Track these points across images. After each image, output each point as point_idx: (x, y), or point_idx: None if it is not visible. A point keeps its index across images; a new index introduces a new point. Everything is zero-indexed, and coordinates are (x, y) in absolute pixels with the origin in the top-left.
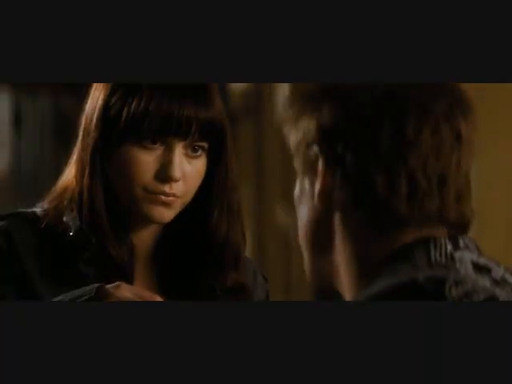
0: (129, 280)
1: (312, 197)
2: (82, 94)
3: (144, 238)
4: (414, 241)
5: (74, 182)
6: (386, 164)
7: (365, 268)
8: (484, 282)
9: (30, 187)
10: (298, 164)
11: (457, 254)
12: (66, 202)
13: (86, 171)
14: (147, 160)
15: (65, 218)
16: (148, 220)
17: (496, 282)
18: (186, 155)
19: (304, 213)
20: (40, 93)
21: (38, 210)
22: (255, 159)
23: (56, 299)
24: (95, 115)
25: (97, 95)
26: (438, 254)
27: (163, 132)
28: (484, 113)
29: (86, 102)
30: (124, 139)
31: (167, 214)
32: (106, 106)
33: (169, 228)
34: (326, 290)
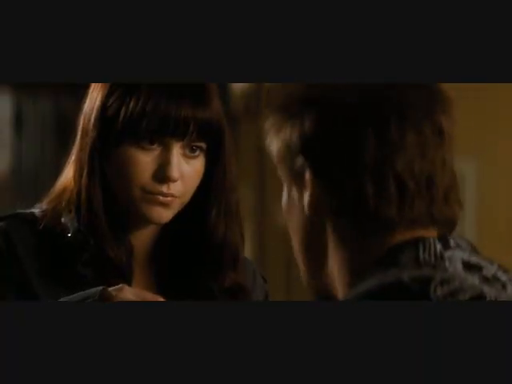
0: (127, 281)
1: (302, 207)
2: (82, 95)
3: (142, 239)
4: (403, 242)
5: (73, 183)
6: (372, 169)
7: (356, 272)
8: (473, 280)
9: (30, 188)
10: (283, 173)
11: (447, 254)
12: (64, 203)
13: (84, 171)
14: (145, 160)
15: (63, 219)
16: (146, 221)
17: (486, 280)
18: (184, 155)
19: (295, 223)
20: (41, 94)
21: (36, 210)
22: (255, 159)
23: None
24: (93, 115)
25: (95, 95)
26: (426, 255)
27: (161, 132)
28: (484, 113)
29: (85, 103)
30: (122, 139)
31: (165, 215)
32: (103, 107)
33: (167, 228)
34: (323, 295)
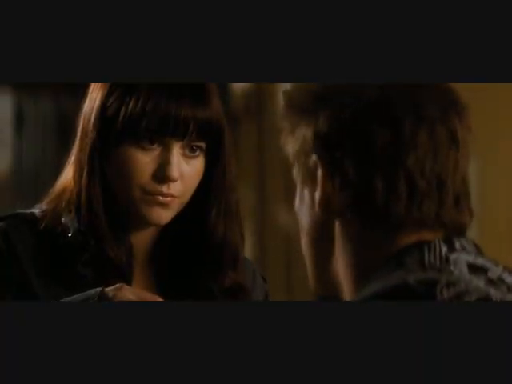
0: (127, 281)
1: (312, 205)
2: (82, 95)
3: (142, 239)
4: (410, 244)
5: (73, 183)
6: (384, 168)
7: (363, 272)
8: (478, 282)
9: (31, 187)
10: (297, 173)
11: (452, 256)
12: (64, 203)
13: (84, 171)
14: (145, 160)
15: (63, 220)
16: (146, 222)
17: (492, 282)
18: (184, 155)
19: (305, 221)
20: (41, 93)
21: (36, 211)
22: (256, 159)
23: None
24: (93, 115)
25: (94, 96)
26: (431, 257)
27: (161, 132)
28: (484, 113)
29: (84, 103)
30: (122, 139)
31: (165, 216)
32: (103, 107)
33: (167, 229)
34: (328, 295)
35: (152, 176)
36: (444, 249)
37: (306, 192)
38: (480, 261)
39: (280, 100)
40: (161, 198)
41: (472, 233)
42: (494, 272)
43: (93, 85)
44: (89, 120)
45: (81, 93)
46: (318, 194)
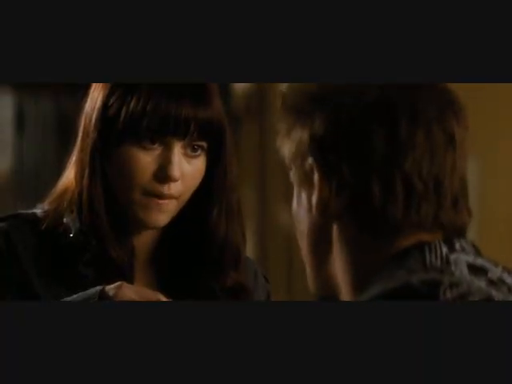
0: (129, 281)
1: (310, 208)
2: (83, 95)
3: (144, 239)
4: (409, 245)
5: (74, 183)
6: (381, 170)
7: (362, 275)
8: (480, 283)
9: (32, 188)
10: (294, 176)
11: (452, 257)
12: (66, 204)
13: (86, 172)
14: (146, 160)
15: (65, 220)
16: (143, 225)
17: (492, 283)
18: (185, 155)
19: (303, 225)
20: (42, 94)
21: (38, 211)
22: (257, 159)
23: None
24: (94, 115)
25: (95, 96)
26: (433, 258)
27: (162, 132)
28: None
29: (86, 103)
30: (123, 139)
31: (162, 219)
32: (104, 107)
33: (168, 229)
34: (327, 297)
35: (153, 176)
36: (444, 249)
37: (304, 195)
38: (479, 261)
39: (278, 102)
40: (158, 201)
41: (471, 233)
42: (494, 273)
43: (94, 85)
44: (90, 120)
45: (81, 93)
46: (314, 198)
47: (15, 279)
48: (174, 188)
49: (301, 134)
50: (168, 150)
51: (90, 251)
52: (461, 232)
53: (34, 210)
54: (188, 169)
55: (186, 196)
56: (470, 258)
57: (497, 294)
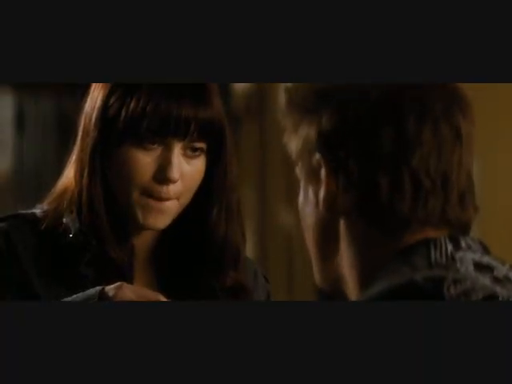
0: (129, 281)
1: (316, 204)
2: (83, 95)
3: (144, 239)
4: (415, 242)
5: (74, 183)
6: (388, 166)
7: (368, 270)
8: (484, 280)
9: (32, 188)
10: (300, 172)
11: (458, 255)
12: (65, 204)
13: (85, 171)
14: (146, 160)
15: (64, 220)
16: (142, 227)
17: (498, 281)
18: (185, 155)
19: (309, 220)
20: (42, 94)
21: (37, 211)
22: (257, 159)
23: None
24: (94, 115)
25: (95, 95)
26: (438, 255)
27: (161, 132)
28: (484, 113)
29: (86, 102)
30: (123, 139)
31: (161, 222)
32: (104, 107)
33: (168, 228)
34: (333, 294)
35: (152, 177)
36: (449, 247)
37: (310, 191)
38: (486, 259)
39: (281, 99)
40: (158, 203)
41: (477, 231)
42: (500, 270)
43: (94, 85)
44: (90, 120)
45: (81, 93)
46: (322, 193)
47: (15, 279)
48: (173, 189)
49: (308, 130)
50: (168, 150)
51: (89, 251)
52: (466, 228)
53: (34, 210)
54: (188, 169)
55: (187, 197)
56: (477, 256)
57: (502, 292)
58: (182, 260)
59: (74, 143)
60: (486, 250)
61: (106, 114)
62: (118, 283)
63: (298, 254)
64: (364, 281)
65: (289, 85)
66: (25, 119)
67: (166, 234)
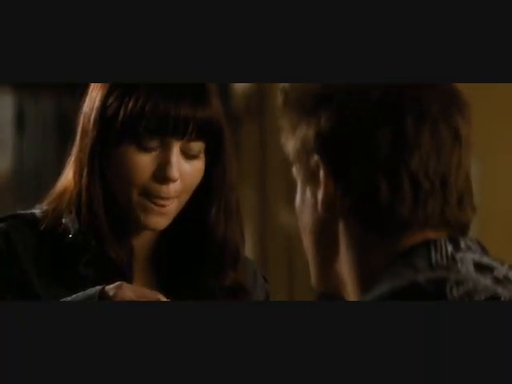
0: (128, 281)
1: (315, 206)
2: (81, 95)
3: (143, 239)
4: (415, 244)
5: (73, 183)
6: (387, 168)
7: (368, 273)
8: (486, 281)
9: (32, 187)
10: (298, 173)
11: (458, 256)
12: (64, 204)
13: (85, 172)
14: (145, 160)
15: (64, 220)
16: (143, 228)
17: (498, 281)
18: (184, 155)
19: (307, 222)
20: (42, 94)
21: (37, 211)
22: (257, 159)
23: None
24: (93, 115)
25: (94, 95)
26: (438, 256)
27: (160, 132)
28: (484, 113)
29: (84, 103)
30: (121, 139)
31: (162, 222)
32: (103, 107)
33: (168, 228)
34: (332, 296)
35: (152, 176)
36: (450, 248)
37: (309, 192)
38: (485, 260)
39: (278, 99)
40: (157, 207)
41: (473, 233)
42: (500, 271)
43: (92, 84)
44: (88, 120)
45: (80, 93)
46: (320, 195)
47: (15, 279)
48: (172, 188)
49: (306, 131)
50: (167, 150)
51: (89, 251)
52: (464, 229)
53: (33, 211)
54: (187, 169)
55: (186, 196)
56: (476, 257)
57: (503, 292)
58: (181, 260)
59: (73, 143)
60: (484, 251)
61: (104, 114)
62: (118, 283)
63: (298, 254)
64: (364, 284)
65: (285, 85)
66: (25, 119)
67: (165, 233)
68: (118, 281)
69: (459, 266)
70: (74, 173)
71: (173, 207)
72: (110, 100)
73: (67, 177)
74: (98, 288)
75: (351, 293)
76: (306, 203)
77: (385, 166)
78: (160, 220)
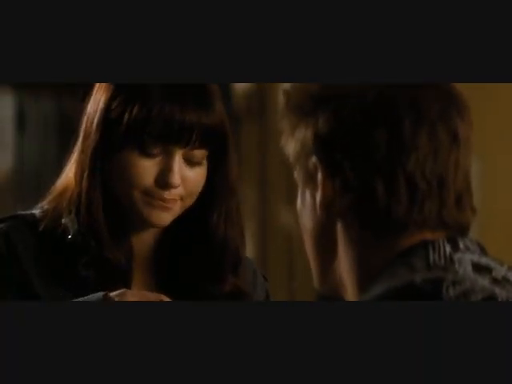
0: (127, 283)
1: (314, 207)
2: (84, 95)
3: (143, 241)
4: (413, 244)
5: (74, 183)
6: (384, 169)
7: (366, 274)
8: (483, 281)
9: (32, 187)
10: (298, 175)
11: (456, 256)
12: (65, 203)
13: (85, 173)
14: (147, 166)
15: (63, 220)
16: (146, 223)
17: (496, 282)
18: (187, 162)
19: (308, 224)
20: (42, 93)
21: (37, 211)
22: (258, 160)
23: None
24: (96, 118)
25: (98, 97)
26: (436, 257)
27: (164, 139)
28: (484, 113)
29: (88, 103)
30: (124, 143)
31: (166, 218)
32: (107, 109)
33: (167, 231)
34: (333, 298)
35: (154, 181)
36: (448, 248)
37: (308, 194)
38: (484, 260)
39: (280, 102)
40: (162, 202)
41: (474, 233)
42: (499, 271)
43: (97, 86)
44: (92, 122)
45: (82, 93)
46: (318, 196)
47: (15, 279)
48: (174, 193)
49: (305, 133)
50: (169, 157)
51: (88, 253)
52: (464, 230)
53: (33, 211)
54: (190, 175)
55: (190, 201)
56: (475, 257)
57: (500, 293)
58: (182, 263)
59: (74, 143)
60: (483, 251)
61: (108, 117)
62: (122, 290)
63: (299, 255)
64: (362, 284)
65: (287, 87)
66: (25, 119)
67: (165, 236)
68: (116, 282)
69: (457, 266)
70: (75, 174)
71: (177, 206)
72: (115, 103)
73: (68, 176)
74: (101, 294)
75: (351, 293)
76: (305, 205)
77: (382, 167)
78: (163, 215)
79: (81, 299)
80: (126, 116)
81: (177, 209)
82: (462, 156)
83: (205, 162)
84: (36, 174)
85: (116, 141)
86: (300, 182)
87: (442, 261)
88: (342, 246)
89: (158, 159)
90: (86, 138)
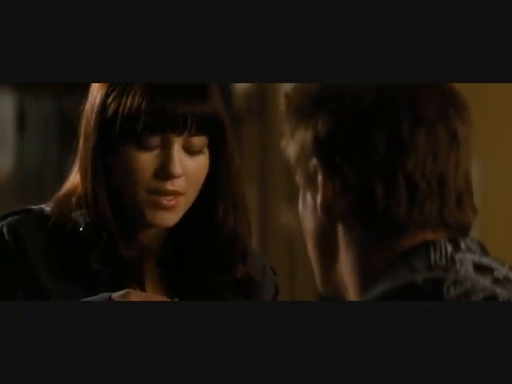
0: (138, 277)
1: (315, 209)
2: (83, 94)
3: (152, 236)
4: (414, 245)
5: (80, 185)
6: (383, 170)
7: (368, 274)
8: (485, 281)
9: (33, 187)
10: (299, 177)
11: (457, 256)
12: (74, 201)
13: (89, 173)
14: (146, 159)
15: (73, 215)
16: (151, 225)
17: (498, 282)
18: (187, 151)
19: (309, 225)
20: (43, 93)
21: (45, 207)
22: (259, 160)
23: None
24: (93, 117)
25: (94, 96)
26: (437, 257)
27: (159, 129)
28: (484, 113)
29: (85, 103)
30: (123, 139)
31: (170, 219)
32: (103, 107)
33: (176, 225)
34: (336, 297)
35: (154, 174)
36: (449, 248)
37: (309, 196)
38: (485, 260)
39: (282, 101)
40: (165, 201)
41: (476, 232)
42: (500, 271)
43: (92, 86)
44: (90, 121)
45: (81, 93)
46: (319, 198)
47: (23, 274)
48: (177, 184)
49: (304, 135)
50: (167, 147)
51: (98, 248)
52: (465, 230)
53: (42, 206)
54: (191, 164)
55: (194, 193)
56: (476, 257)
57: (502, 293)
58: (192, 255)
59: (77, 144)
60: (484, 251)
61: (105, 115)
62: (126, 290)
63: (300, 255)
64: (364, 285)
65: (288, 90)
66: (26, 119)
67: (174, 230)
68: (127, 277)
69: (458, 266)
70: (80, 172)
71: (181, 203)
72: (109, 100)
73: (73, 180)
74: (107, 295)
75: (352, 294)
76: (307, 207)
77: (382, 168)
78: (168, 216)
79: (88, 299)
80: (121, 111)
81: (181, 206)
82: (462, 156)
83: (206, 150)
84: (36, 174)
85: (114, 137)
86: (301, 185)
87: (444, 261)
88: (344, 247)
89: (156, 152)
90: (86, 137)
